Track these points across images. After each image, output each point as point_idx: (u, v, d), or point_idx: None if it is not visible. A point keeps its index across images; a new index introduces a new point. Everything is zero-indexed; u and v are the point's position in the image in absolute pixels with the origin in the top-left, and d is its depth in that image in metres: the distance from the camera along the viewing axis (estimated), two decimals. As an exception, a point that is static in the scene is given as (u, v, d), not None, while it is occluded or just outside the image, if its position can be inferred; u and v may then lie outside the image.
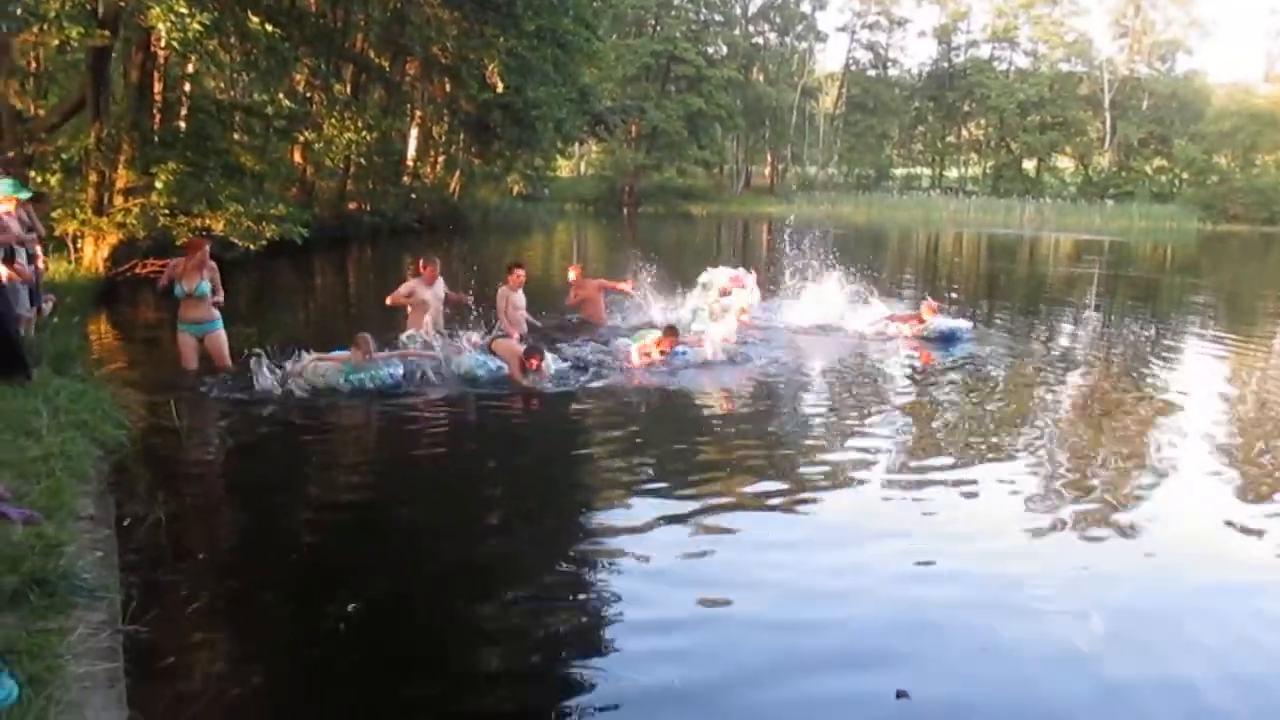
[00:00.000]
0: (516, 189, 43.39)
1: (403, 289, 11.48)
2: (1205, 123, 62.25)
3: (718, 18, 65.41)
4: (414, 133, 34.13)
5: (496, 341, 10.58)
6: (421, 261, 11.70)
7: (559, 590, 5.18)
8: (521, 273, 12.38)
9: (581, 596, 5.15)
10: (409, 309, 11.44)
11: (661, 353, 10.75)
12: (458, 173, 36.62)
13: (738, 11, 67.81)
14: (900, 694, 4.21)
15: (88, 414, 7.02)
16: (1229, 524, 6.55)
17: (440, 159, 37.41)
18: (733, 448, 8.03)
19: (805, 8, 68.99)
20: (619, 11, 44.02)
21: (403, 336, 10.56)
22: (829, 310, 14.01)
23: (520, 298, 12.38)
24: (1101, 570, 5.66)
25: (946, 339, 12.72)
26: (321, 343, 9.91)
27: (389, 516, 6.36)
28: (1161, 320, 17.42)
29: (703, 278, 13.92)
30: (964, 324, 13.34)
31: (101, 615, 4.29)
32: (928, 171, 76.44)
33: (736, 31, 66.72)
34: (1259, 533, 6.41)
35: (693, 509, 6.36)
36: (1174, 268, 31.54)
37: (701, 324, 12.56)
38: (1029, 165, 71.36)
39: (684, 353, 10.90)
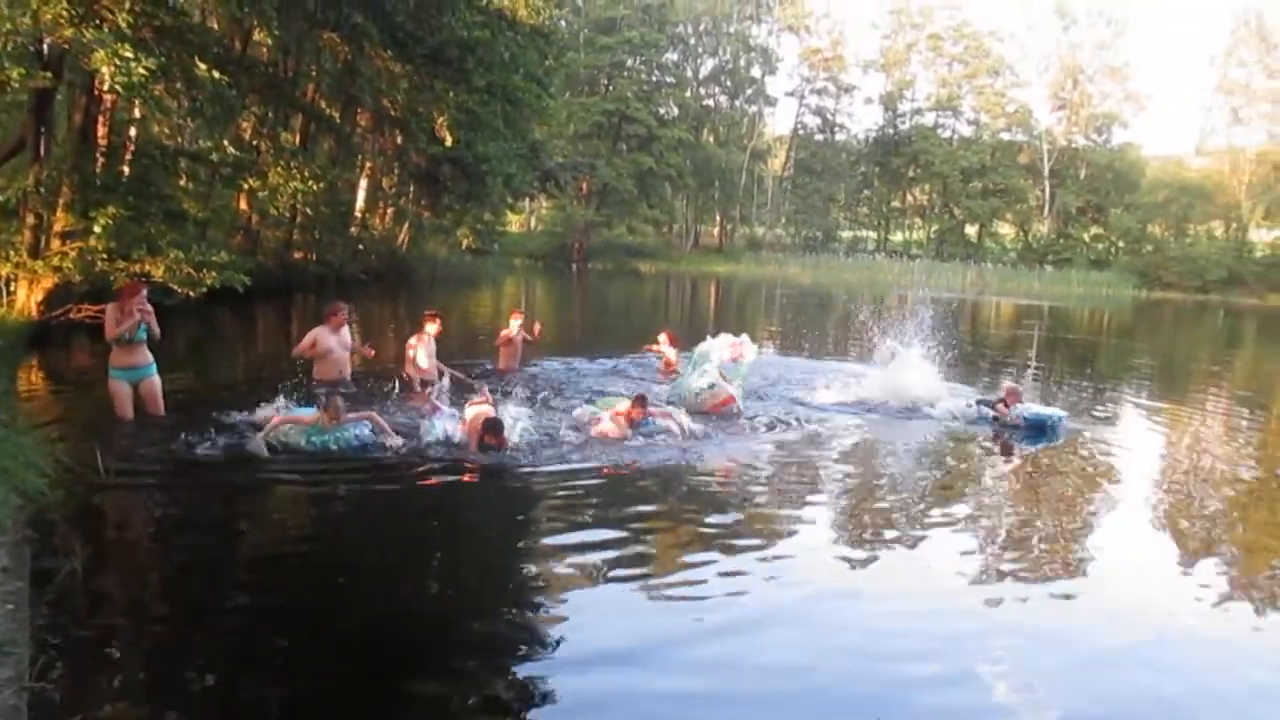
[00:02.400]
0: (465, 243, 43.37)
1: (306, 339, 11.23)
2: (1140, 193, 64.28)
3: (669, 79, 66.36)
4: (363, 184, 34.04)
5: (470, 404, 9.88)
6: (329, 308, 11.55)
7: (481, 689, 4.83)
8: (438, 321, 12.62)
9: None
10: (316, 359, 11.26)
11: (630, 422, 10.02)
12: (406, 225, 36.53)
13: (689, 74, 68.88)
14: None
15: (9, 461, 6.78)
16: (1170, 580, 6.81)
17: (389, 211, 37.32)
18: (686, 533, 7.33)
19: (755, 72, 70.35)
20: (571, 70, 44.54)
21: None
22: (913, 390, 12.96)
23: (432, 345, 12.47)
24: (1052, 636, 5.73)
25: (1034, 428, 11.57)
26: (256, 394, 9.73)
27: (310, 580, 6.14)
28: (1100, 383, 17.69)
29: (700, 349, 12.89)
30: (1054, 412, 11.97)
31: (8, 671, 4.11)
32: (873, 234, 77.74)
33: (688, 93, 67.72)
34: (1199, 585, 6.67)
35: (640, 603, 5.90)
36: (1110, 333, 32.20)
37: (710, 382, 11.76)
38: (971, 230, 72.96)
39: (649, 423, 10.19)
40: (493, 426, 9.08)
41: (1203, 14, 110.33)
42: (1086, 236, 68.46)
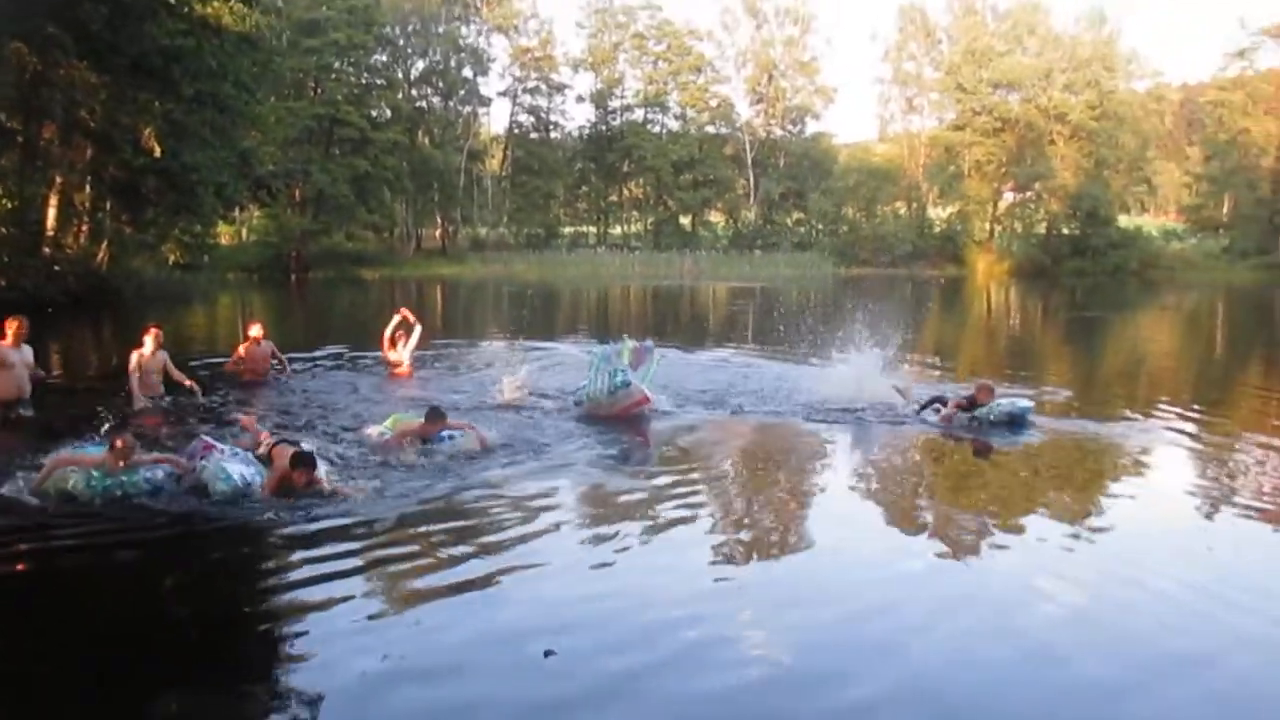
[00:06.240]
0: (173, 258, 40.94)
1: None
2: (833, 179, 70.02)
3: (380, 81, 65.21)
4: (53, 200, 31.60)
5: (275, 448, 8.49)
6: (6, 322, 11.06)
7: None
8: (157, 333, 12.17)
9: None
10: None
11: (422, 440, 9.33)
12: (105, 242, 34.18)
13: (400, 76, 67.96)
14: (548, 653, 4.81)
15: None
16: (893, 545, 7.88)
17: (85, 228, 34.77)
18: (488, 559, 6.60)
19: (467, 73, 70.42)
20: (278, 74, 42.91)
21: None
22: (855, 389, 12.46)
23: (156, 360, 12.13)
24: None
25: (1013, 424, 10.91)
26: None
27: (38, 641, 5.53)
28: (809, 350, 19.24)
29: (601, 350, 12.04)
30: (1026, 404, 11.27)
31: None
32: (593, 229, 79.66)
33: (400, 95, 66.82)
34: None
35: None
36: (814, 306, 35.00)
37: (624, 380, 11.07)
38: (685, 221, 76.47)
39: (447, 438, 9.39)
40: (304, 461, 7.81)
41: (877, 10, 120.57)
42: (790, 221, 73.75)
